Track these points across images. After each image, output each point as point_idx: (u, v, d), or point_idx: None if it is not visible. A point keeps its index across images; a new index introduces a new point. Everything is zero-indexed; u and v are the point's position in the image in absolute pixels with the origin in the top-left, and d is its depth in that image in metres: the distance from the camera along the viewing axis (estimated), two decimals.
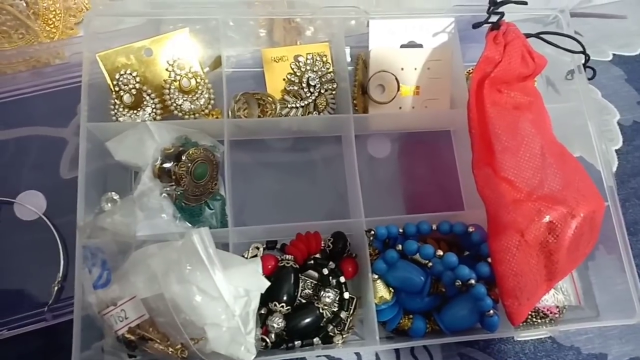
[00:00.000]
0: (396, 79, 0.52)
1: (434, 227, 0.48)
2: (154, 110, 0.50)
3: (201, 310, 0.39)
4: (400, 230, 0.48)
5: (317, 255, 0.49)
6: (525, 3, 0.51)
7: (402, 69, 0.54)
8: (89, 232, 0.44)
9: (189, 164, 0.47)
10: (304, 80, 0.53)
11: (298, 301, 0.47)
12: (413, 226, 0.48)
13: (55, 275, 0.48)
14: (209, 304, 0.39)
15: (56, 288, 0.47)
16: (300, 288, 0.47)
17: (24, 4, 0.57)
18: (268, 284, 0.42)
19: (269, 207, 0.52)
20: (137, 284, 0.41)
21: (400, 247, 0.46)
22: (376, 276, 0.46)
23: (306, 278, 0.48)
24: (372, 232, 0.47)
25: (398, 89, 0.52)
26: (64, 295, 0.48)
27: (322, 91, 0.54)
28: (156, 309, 0.40)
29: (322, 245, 0.49)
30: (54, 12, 0.58)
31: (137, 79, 0.50)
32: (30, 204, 0.50)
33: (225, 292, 0.39)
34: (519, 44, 0.47)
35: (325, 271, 0.47)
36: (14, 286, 0.48)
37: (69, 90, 0.55)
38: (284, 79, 0.55)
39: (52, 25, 0.58)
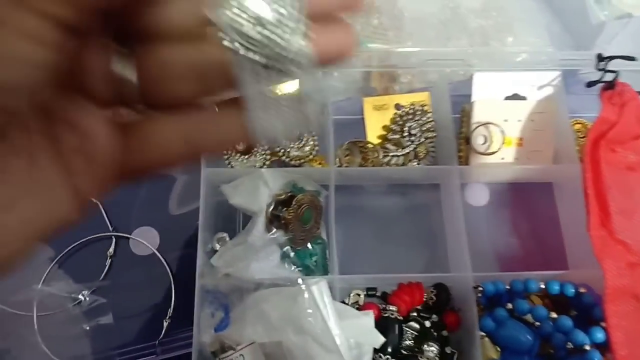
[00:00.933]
0: (502, 131, 0.52)
1: (542, 285, 0.47)
2: (264, 156, 0.52)
3: None
4: (507, 287, 0.47)
5: (418, 307, 0.49)
6: (634, 59, 0.50)
7: (506, 120, 0.54)
8: (205, 273, 0.46)
9: (297, 209, 0.49)
10: (405, 129, 0.54)
11: (400, 353, 0.47)
12: (520, 284, 0.47)
13: (167, 310, 0.50)
14: (325, 356, 0.40)
15: (166, 323, 0.50)
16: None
17: None
18: (383, 339, 0.43)
19: (367, 252, 0.53)
20: (254, 329, 0.42)
21: (510, 305, 0.46)
22: (483, 333, 0.46)
23: (407, 329, 0.48)
24: (481, 289, 0.46)
25: (503, 142, 0.52)
26: (173, 330, 0.50)
27: (423, 140, 0.54)
28: (272, 355, 0.41)
29: (424, 297, 0.49)
30: None
31: None
32: (145, 240, 0.53)
33: (342, 346, 0.40)
34: (635, 104, 0.47)
35: (428, 324, 0.47)
36: (129, 318, 0.50)
37: None
38: (383, 126, 0.57)
39: None
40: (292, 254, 0.49)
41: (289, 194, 0.50)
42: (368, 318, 0.44)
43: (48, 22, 0.14)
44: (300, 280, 0.43)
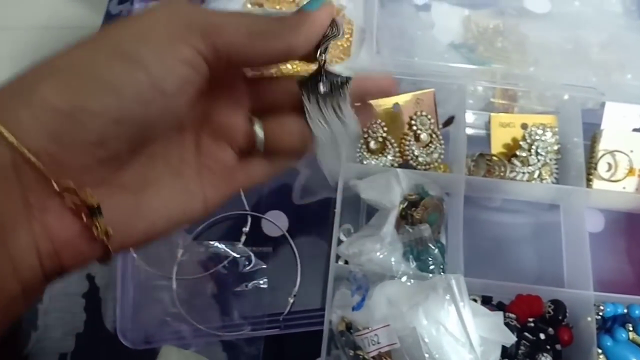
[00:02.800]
0: (630, 161, 0.54)
1: None
2: (394, 158, 0.56)
3: (449, 353, 0.42)
4: (625, 310, 0.48)
5: (534, 319, 0.50)
6: None
7: (632, 151, 0.55)
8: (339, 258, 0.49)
9: (424, 211, 0.51)
10: (533, 148, 0.56)
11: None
12: (638, 308, 0.48)
13: (292, 288, 0.54)
14: (456, 348, 0.42)
15: (291, 300, 0.53)
16: None
17: None
18: (514, 338, 0.45)
19: (484, 260, 0.55)
20: (382, 314, 0.45)
21: (630, 327, 0.47)
22: (600, 351, 0.47)
23: (521, 339, 0.50)
24: (602, 308, 0.48)
25: (630, 172, 0.54)
26: (294, 309, 0.54)
27: (548, 160, 0.56)
28: (403, 339, 0.44)
29: (543, 310, 0.50)
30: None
31: (385, 129, 0.56)
32: (277, 222, 0.57)
33: (474, 340, 0.42)
34: None
35: (543, 336, 0.49)
36: (255, 291, 0.54)
37: None
38: (504, 144, 0.59)
39: (297, 70, 0.67)
40: (414, 252, 0.52)
41: (418, 196, 0.53)
42: (498, 317, 0.46)
43: (197, 53, 0.22)
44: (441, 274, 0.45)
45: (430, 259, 0.52)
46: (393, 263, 0.50)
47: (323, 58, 0.28)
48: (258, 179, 0.30)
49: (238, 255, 0.53)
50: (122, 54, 0.21)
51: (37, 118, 0.19)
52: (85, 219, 0.21)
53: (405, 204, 0.51)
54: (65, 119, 0.19)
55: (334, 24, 0.29)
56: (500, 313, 0.47)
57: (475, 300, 0.52)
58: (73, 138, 0.20)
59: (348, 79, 0.28)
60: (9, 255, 0.20)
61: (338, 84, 0.28)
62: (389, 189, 0.51)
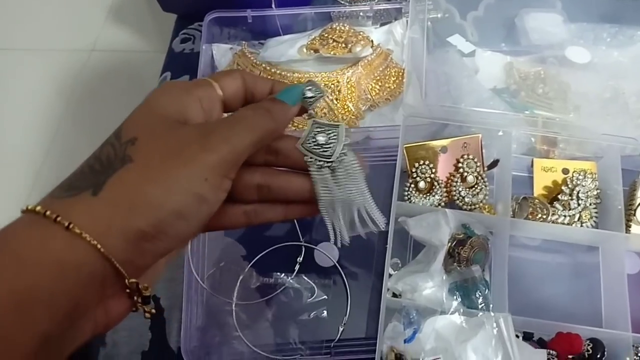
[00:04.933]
0: None
1: None
2: (441, 198, 0.60)
3: None
4: None
5: (574, 357, 0.53)
6: None
7: None
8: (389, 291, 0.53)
9: (471, 250, 0.55)
10: (574, 193, 0.59)
11: None
12: None
13: (342, 317, 0.57)
14: None
15: (341, 329, 0.57)
16: None
17: (330, 91, 0.71)
18: None
19: (526, 299, 0.58)
20: (432, 347, 0.48)
21: None
22: None
23: None
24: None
25: None
26: (343, 337, 0.57)
27: (588, 205, 0.59)
28: None
29: (582, 349, 0.53)
30: (349, 99, 0.71)
31: (433, 170, 0.59)
32: (328, 253, 0.61)
33: None
34: None
35: None
36: (308, 318, 0.58)
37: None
38: (545, 187, 0.62)
39: (346, 109, 0.71)
40: (461, 289, 0.55)
41: (465, 235, 0.56)
42: (542, 355, 0.48)
43: (230, 180, 0.30)
44: (489, 312, 0.48)
45: (479, 295, 0.55)
46: (444, 300, 0.53)
47: (311, 119, 0.36)
48: (273, 219, 0.34)
49: (299, 286, 0.57)
50: (192, 194, 0.28)
51: (128, 241, 0.26)
52: (137, 302, 0.28)
53: (454, 242, 0.55)
54: (149, 240, 0.26)
55: (312, 85, 0.36)
56: (544, 351, 0.49)
57: (517, 336, 0.55)
58: (153, 252, 0.27)
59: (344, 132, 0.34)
60: (74, 329, 0.26)
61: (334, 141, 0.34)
62: (438, 228, 0.55)
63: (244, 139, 0.30)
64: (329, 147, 0.34)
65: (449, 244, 0.55)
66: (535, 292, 0.59)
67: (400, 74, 0.74)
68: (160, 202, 0.27)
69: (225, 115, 0.34)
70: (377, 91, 0.73)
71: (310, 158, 0.33)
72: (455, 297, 0.55)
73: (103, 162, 0.28)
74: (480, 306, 0.53)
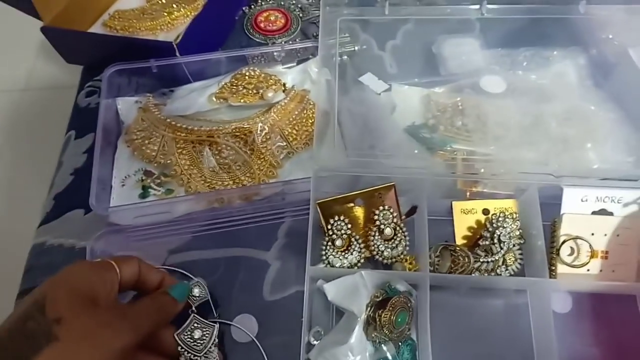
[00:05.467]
0: (590, 245, 0.55)
1: None
2: (360, 254, 0.56)
3: None
4: None
5: None
6: None
7: (593, 234, 0.56)
8: None
9: (392, 312, 0.52)
10: (495, 236, 0.57)
11: None
12: None
13: None
14: None
15: None
16: None
17: (243, 142, 0.67)
18: None
19: (455, 351, 0.55)
20: None
21: None
22: None
23: None
24: None
25: (592, 255, 0.55)
26: None
27: (511, 246, 0.57)
28: None
29: None
30: (265, 149, 0.68)
31: (349, 225, 0.56)
32: (245, 327, 0.56)
33: None
34: None
35: None
36: None
37: (273, 221, 0.64)
38: (469, 227, 0.60)
39: (262, 159, 0.67)
40: (388, 356, 0.52)
41: (384, 296, 0.53)
42: None
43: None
44: None
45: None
46: None
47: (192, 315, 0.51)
48: None
49: None
50: None
51: None
52: None
53: (372, 308, 0.51)
54: None
55: (200, 285, 0.55)
56: None
57: None
58: None
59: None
60: None
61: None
62: (356, 293, 0.52)
63: (146, 327, 0.41)
64: (202, 343, 0.48)
65: (368, 310, 0.51)
66: (465, 341, 0.56)
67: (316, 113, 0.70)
68: None
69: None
70: (295, 136, 0.70)
71: (182, 349, 0.47)
72: None
73: (28, 336, 0.33)
74: None
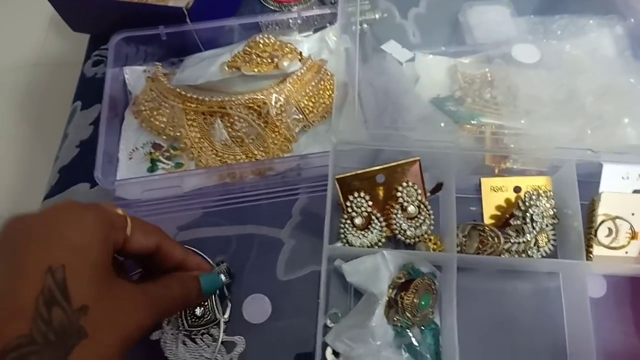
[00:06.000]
0: (631, 226, 0.50)
1: None
2: (381, 232, 0.53)
3: None
4: None
5: None
6: None
7: (633, 214, 0.52)
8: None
9: (415, 294, 0.48)
10: (528, 215, 0.53)
11: None
12: None
13: None
14: None
15: None
16: None
17: (256, 114, 0.64)
18: None
19: (483, 337, 0.52)
20: None
21: None
22: None
23: None
24: None
25: (632, 237, 0.50)
26: None
27: (544, 226, 0.53)
28: None
29: None
30: (279, 121, 0.64)
31: (369, 202, 0.52)
32: (258, 306, 0.53)
33: None
34: None
35: None
36: None
37: (288, 197, 0.61)
38: (498, 206, 0.56)
39: (276, 132, 0.64)
40: (412, 341, 0.48)
41: (407, 277, 0.49)
42: None
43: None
44: None
45: (421, 346, 0.48)
46: (385, 357, 0.46)
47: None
48: None
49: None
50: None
51: None
52: None
53: (394, 290, 0.48)
54: None
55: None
56: None
57: None
58: None
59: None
60: None
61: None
62: (377, 274, 0.48)
63: (165, 314, 0.41)
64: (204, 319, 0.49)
65: (390, 292, 0.48)
66: (493, 326, 0.53)
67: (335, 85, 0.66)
68: None
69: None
70: (311, 109, 0.66)
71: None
72: (402, 350, 0.48)
73: (57, 331, 0.26)
74: (424, 357, 0.47)
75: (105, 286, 0.30)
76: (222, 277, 0.50)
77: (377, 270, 0.48)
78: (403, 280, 0.48)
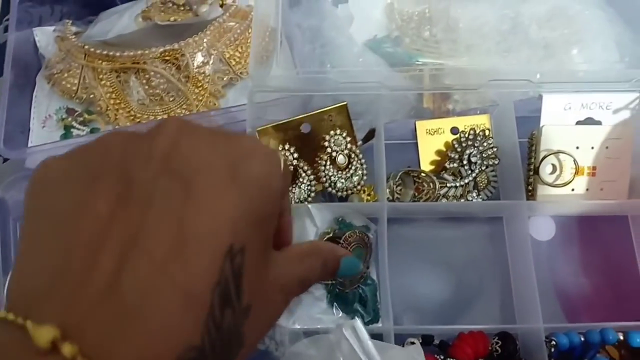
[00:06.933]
0: (574, 161, 0.47)
1: (621, 337, 0.42)
2: (309, 187, 0.49)
3: None
4: (582, 339, 0.42)
5: (481, 359, 0.44)
6: None
7: (577, 147, 0.48)
8: None
9: (346, 249, 0.44)
10: (465, 156, 0.49)
11: None
12: (597, 335, 0.42)
13: None
14: None
15: None
16: None
17: (175, 69, 0.58)
18: None
19: (421, 291, 0.49)
20: None
21: None
22: None
23: None
24: (554, 343, 0.42)
25: (576, 172, 0.47)
26: None
27: (483, 168, 0.49)
28: None
29: (489, 348, 0.44)
30: (202, 75, 0.58)
31: (295, 155, 0.48)
32: None
33: None
34: None
35: None
36: None
37: None
38: (437, 151, 0.52)
39: (200, 87, 0.59)
40: (339, 300, 0.45)
41: (336, 232, 0.46)
42: (415, 352, 0.39)
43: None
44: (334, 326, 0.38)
45: (356, 303, 0.45)
46: (315, 317, 0.43)
47: None
48: None
49: None
50: None
51: None
52: None
53: None
54: None
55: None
56: (419, 347, 0.40)
57: (413, 343, 0.46)
58: None
59: None
60: None
61: None
62: (302, 230, 0.44)
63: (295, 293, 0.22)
64: None
65: None
66: (438, 281, 0.50)
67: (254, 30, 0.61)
68: None
69: None
70: (238, 60, 0.60)
71: None
72: (336, 311, 0.45)
73: (224, 340, 0.17)
74: (360, 314, 0.44)
75: (264, 272, 0.20)
76: None
77: (302, 227, 0.44)
78: (331, 234, 0.45)
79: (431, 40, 0.59)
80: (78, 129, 0.58)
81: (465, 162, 0.48)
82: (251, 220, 0.18)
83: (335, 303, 0.45)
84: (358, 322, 0.37)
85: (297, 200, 0.48)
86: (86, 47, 0.58)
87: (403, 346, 0.45)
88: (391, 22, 0.61)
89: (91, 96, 0.58)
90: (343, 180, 0.49)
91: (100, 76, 0.58)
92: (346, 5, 0.62)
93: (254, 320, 0.19)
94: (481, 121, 0.51)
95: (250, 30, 0.62)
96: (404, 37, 0.60)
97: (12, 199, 0.52)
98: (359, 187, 0.49)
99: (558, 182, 0.48)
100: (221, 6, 0.61)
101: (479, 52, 0.58)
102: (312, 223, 0.44)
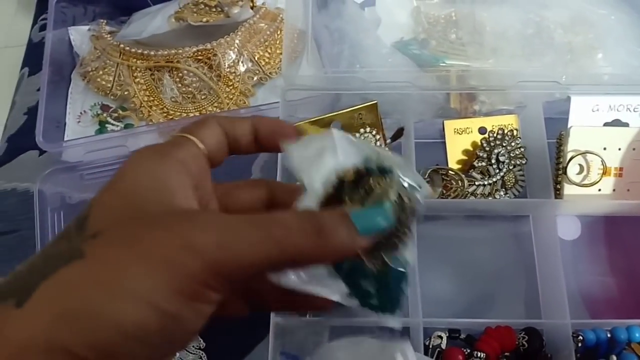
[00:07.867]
0: (602, 161, 0.48)
1: None
2: None
3: None
4: (608, 335, 0.43)
5: (507, 353, 0.45)
6: None
7: (605, 148, 0.49)
8: None
9: (363, 198, 0.32)
10: (493, 156, 0.50)
11: None
12: (624, 331, 0.43)
13: None
14: None
15: None
16: None
17: (207, 68, 0.60)
18: None
19: (448, 287, 0.50)
20: None
21: (614, 358, 0.41)
22: None
23: None
24: (580, 338, 0.42)
25: (604, 172, 0.48)
26: None
27: (511, 167, 0.50)
28: None
29: (516, 342, 0.45)
30: (233, 74, 0.60)
31: None
32: None
33: None
34: None
35: None
36: None
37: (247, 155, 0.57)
38: (464, 151, 0.53)
39: (231, 86, 0.60)
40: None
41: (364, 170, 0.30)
42: None
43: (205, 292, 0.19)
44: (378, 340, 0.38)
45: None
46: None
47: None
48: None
49: None
50: (151, 305, 0.18)
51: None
52: None
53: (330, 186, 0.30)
54: None
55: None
56: None
57: (440, 337, 0.47)
58: None
59: None
60: None
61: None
62: (318, 160, 0.26)
63: (258, 251, 0.19)
64: None
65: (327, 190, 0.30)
66: (466, 277, 0.50)
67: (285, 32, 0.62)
68: (99, 311, 0.17)
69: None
70: (267, 60, 0.62)
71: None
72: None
73: (48, 257, 0.19)
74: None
75: (142, 213, 0.21)
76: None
77: (319, 157, 0.28)
78: (352, 173, 0.28)
79: (457, 43, 0.60)
80: (112, 125, 0.59)
81: (493, 161, 0.49)
82: (101, 198, 0.21)
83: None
84: (409, 345, 0.34)
85: None
86: (121, 45, 0.60)
87: (430, 340, 0.46)
88: (418, 25, 0.62)
89: (125, 93, 0.59)
90: None
91: (135, 74, 0.59)
92: (373, 9, 0.63)
93: (105, 238, 0.19)
94: (509, 121, 0.52)
95: (279, 32, 0.63)
96: (431, 39, 0.61)
97: (49, 191, 0.53)
98: None
99: (585, 182, 0.48)
100: (252, 8, 0.62)
101: (504, 55, 0.59)
102: (332, 154, 0.22)
